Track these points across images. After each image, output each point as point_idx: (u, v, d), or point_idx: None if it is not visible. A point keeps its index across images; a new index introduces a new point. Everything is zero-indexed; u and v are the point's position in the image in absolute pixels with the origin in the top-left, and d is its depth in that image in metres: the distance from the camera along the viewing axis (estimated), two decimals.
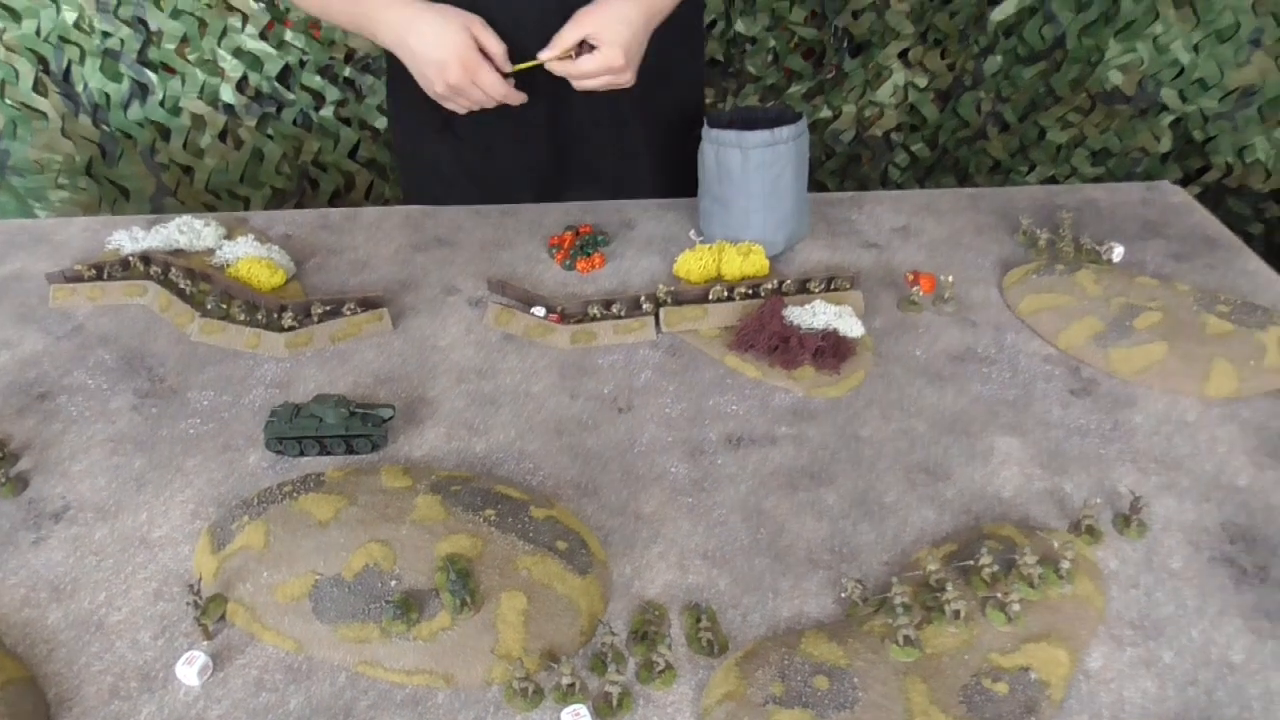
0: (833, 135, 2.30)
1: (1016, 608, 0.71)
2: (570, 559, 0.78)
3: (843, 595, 0.76)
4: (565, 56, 1.16)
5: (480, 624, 0.73)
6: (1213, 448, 0.93)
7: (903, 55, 2.21)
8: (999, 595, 0.72)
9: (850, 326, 1.05)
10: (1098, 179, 2.33)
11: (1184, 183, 2.28)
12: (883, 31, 2.18)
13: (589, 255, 1.22)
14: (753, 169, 1.17)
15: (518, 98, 1.20)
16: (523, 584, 0.75)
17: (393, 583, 0.75)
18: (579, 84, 1.18)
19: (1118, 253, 1.22)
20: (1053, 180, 2.35)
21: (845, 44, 2.21)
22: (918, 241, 1.28)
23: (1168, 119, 2.24)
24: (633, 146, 1.38)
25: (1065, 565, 0.74)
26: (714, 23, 2.15)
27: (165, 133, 2.17)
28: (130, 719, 0.70)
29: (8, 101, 2.13)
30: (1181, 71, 2.19)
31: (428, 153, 1.40)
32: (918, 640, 0.70)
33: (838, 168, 2.35)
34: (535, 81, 1.20)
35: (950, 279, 1.14)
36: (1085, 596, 0.75)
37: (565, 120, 1.33)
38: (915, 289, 1.14)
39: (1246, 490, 0.88)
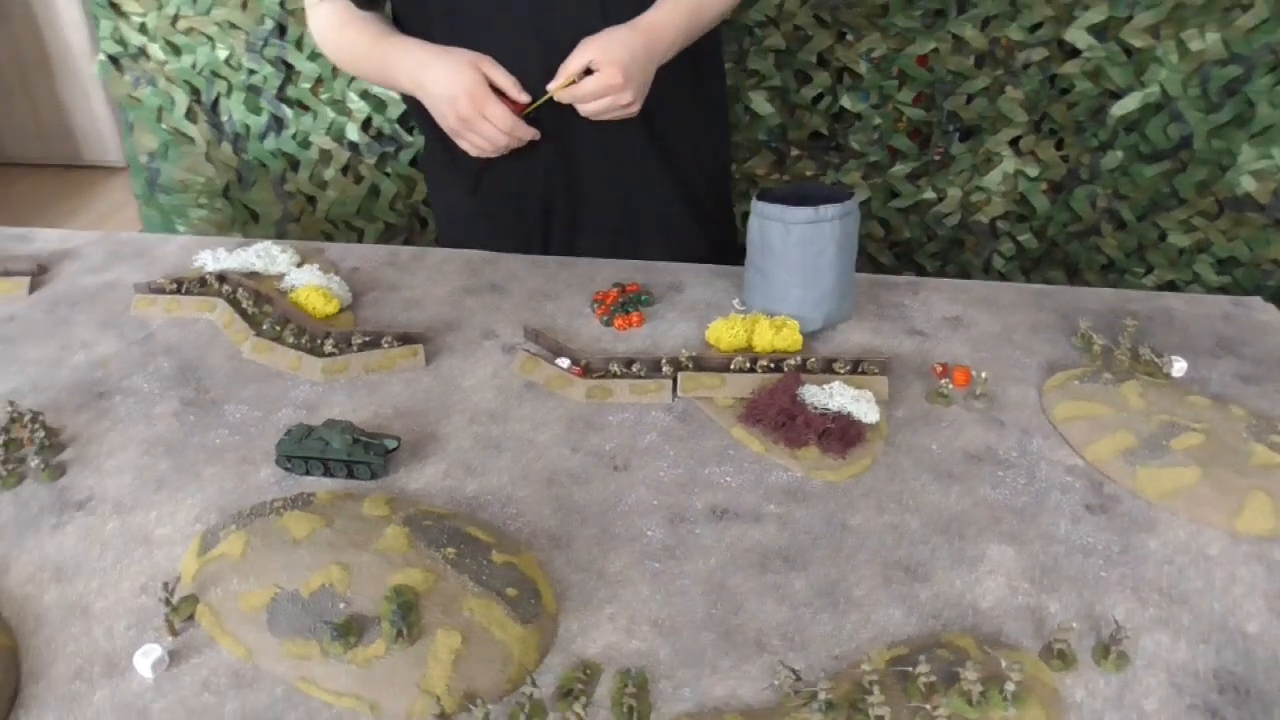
0: (935, 218, 2.26)
1: None
2: (516, 606, 0.79)
3: (775, 683, 0.75)
4: (570, 83, 1.21)
5: (412, 657, 0.75)
6: (1228, 587, 0.86)
7: (1014, 143, 2.16)
8: (928, 708, 0.69)
9: (866, 412, 1.04)
10: (1223, 289, 2.21)
11: None
12: (994, 118, 2.14)
13: (628, 313, 1.24)
14: (794, 244, 1.17)
15: (527, 132, 1.26)
16: (462, 624, 0.77)
17: (342, 605, 0.78)
18: (583, 109, 1.23)
19: (1178, 368, 1.15)
20: (1172, 286, 2.24)
21: (953, 128, 2.18)
22: (966, 334, 1.24)
23: None
24: (646, 199, 1.43)
25: (1010, 687, 0.70)
26: (820, 96, 2.16)
27: (295, 164, 2.33)
28: (84, 699, 0.75)
29: (163, 126, 2.33)
30: None
31: (448, 197, 1.49)
32: None
33: (939, 250, 2.31)
34: (543, 124, 1.27)
35: (984, 375, 1.10)
36: None
37: (573, 160, 1.39)
38: (944, 382, 1.10)
39: (1254, 638, 0.81)
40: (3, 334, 1.22)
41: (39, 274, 1.34)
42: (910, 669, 0.72)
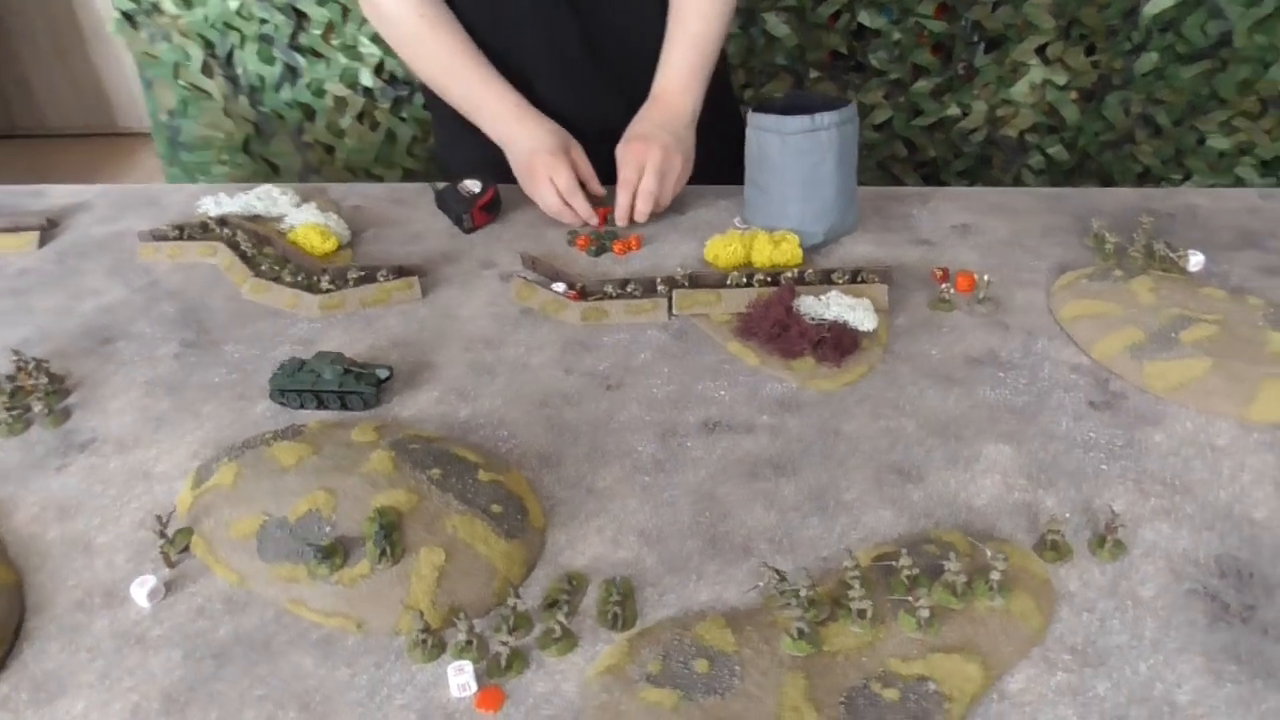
0: (960, 134, 2.19)
1: (926, 614, 0.67)
2: (500, 522, 0.79)
3: (759, 584, 0.74)
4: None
5: (396, 575, 0.75)
6: (1236, 475, 0.83)
7: (1041, 51, 2.09)
8: (910, 599, 0.67)
9: (863, 320, 1.01)
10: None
11: None
12: (1019, 26, 2.06)
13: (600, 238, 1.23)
14: (791, 155, 1.15)
15: (583, 207, 1.28)
16: (445, 541, 0.77)
17: (327, 529, 0.78)
18: (657, 200, 1.26)
19: (1195, 261, 1.11)
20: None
21: (977, 39, 2.11)
22: (975, 241, 1.21)
23: None
24: None
25: (995, 577, 0.69)
26: (837, 14, 2.10)
27: (311, 114, 2.33)
28: (85, 629, 0.77)
29: (180, 82, 2.34)
30: None
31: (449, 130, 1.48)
32: (814, 635, 0.67)
33: (966, 168, 2.24)
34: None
35: (988, 279, 1.07)
36: (1021, 614, 0.69)
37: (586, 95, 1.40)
38: (945, 287, 1.07)
39: (1261, 524, 0.78)
40: (14, 286, 1.24)
41: (48, 228, 1.36)
42: (893, 563, 0.71)
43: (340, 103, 2.31)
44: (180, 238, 1.28)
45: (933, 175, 2.26)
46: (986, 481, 0.84)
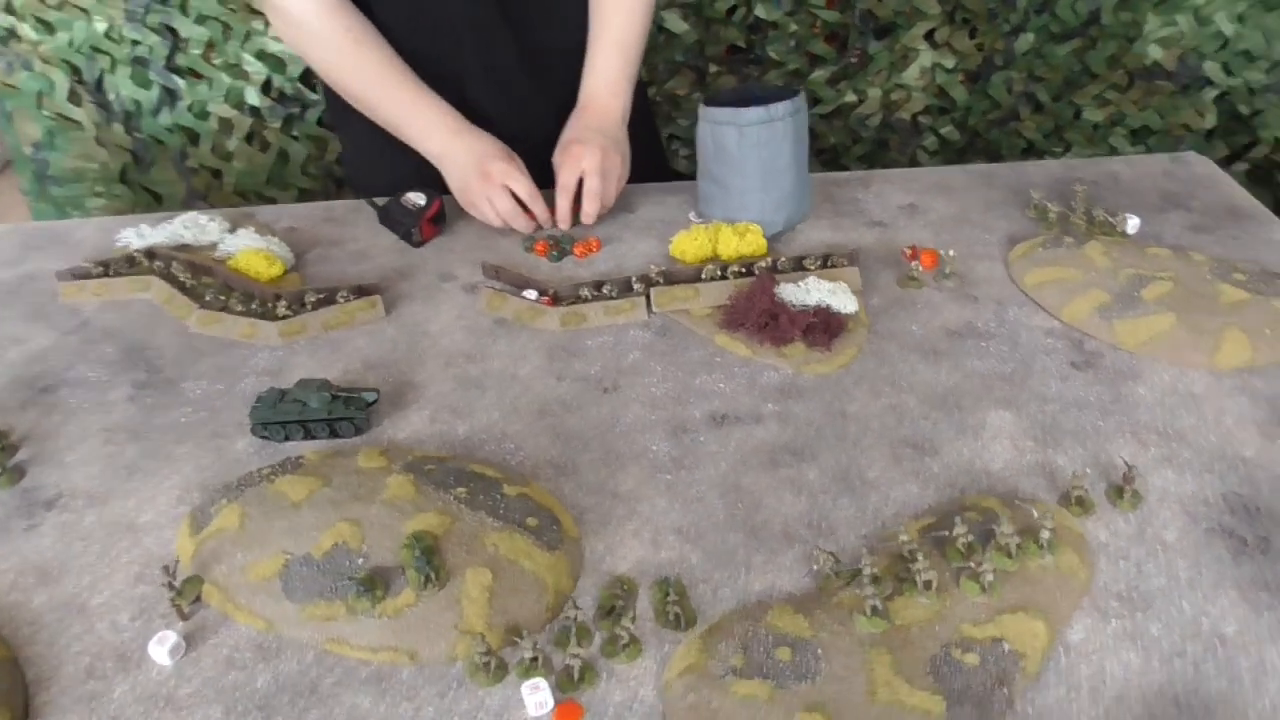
0: (858, 120, 2.26)
1: (990, 578, 0.69)
2: (539, 535, 0.77)
3: (814, 568, 0.74)
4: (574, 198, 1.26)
5: (444, 600, 0.72)
6: (1219, 419, 0.89)
7: (929, 36, 2.17)
8: (972, 565, 0.69)
9: (844, 303, 1.03)
10: None
11: (1230, 160, 2.20)
12: (908, 12, 2.14)
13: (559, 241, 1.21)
14: (749, 147, 1.16)
15: (523, 221, 1.25)
16: (489, 560, 0.74)
17: (360, 560, 0.75)
18: (600, 200, 1.25)
19: (1133, 224, 1.17)
20: None
21: (869, 27, 2.18)
22: (924, 219, 1.25)
23: (1211, 94, 2.16)
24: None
25: (1045, 535, 0.71)
26: (734, 8, 2.13)
27: (194, 137, 2.21)
28: (104, 697, 0.71)
29: (45, 112, 2.19)
30: (1225, 44, 2.11)
31: (358, 141, 1.45)
32: (885, 611, 0.68)
33: (865, 153, 2.31)
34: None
35: (952, 253, 1.11)
36: (1068, 569, 0.72)
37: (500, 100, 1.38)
38: (915, 264, 1.11)
39: (1253, 462, 0.84)
40: None
41: None
42: (947, 533, 0.72)
43: (226, 124, 2.20)
44: (106, 274, 1.20)
45: (833, 161, 2.32)
46: (997, 447, 0.87)
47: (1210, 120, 2.20)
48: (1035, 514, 0.72)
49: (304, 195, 2.29)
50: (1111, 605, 0.71)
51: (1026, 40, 2.16)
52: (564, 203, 1.25)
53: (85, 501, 0.89)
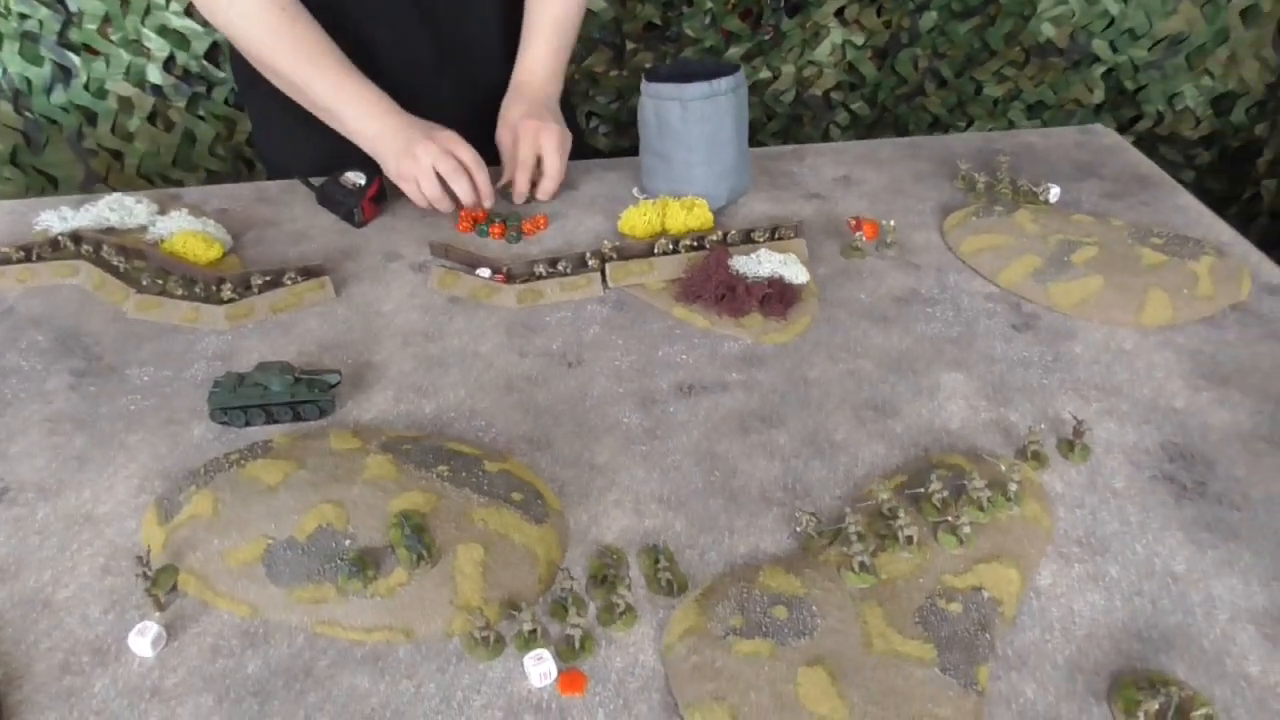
0: (773, 96, 2.30)
1: (967, 530, 0.73)
2: (526, 509, 0.78)
3: (797, 529, 0.77)
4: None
5: (437, 577, 0.72)
6: (1150, 373, 0.95)
7: (839, 14, 2.22)
8: (949, 519, 0.73)
9: (796, 273, 1.06)
10: None
11: (1118, 132, 2.32)
12: None
13: (502, 221, 1.21)
14: (693, 121, 1.17)
15: (448, 205, 1.23)
16: (479, 535, 0.75)
17: (346, 542, 0.74)
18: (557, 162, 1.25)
19: (1054, 193, 1.24)
20: None
21: (782, 4, 2.21)
22: (859, 190, 1.29)
23: (1100, 70, 2.28)
24: (469, 110, 1.37)
25: (1013, 488, 0.76)
26: None
27: (92, 117, 2.11)
28: (83, 692, 0.69)
29: None
30: (1112, 22, 2.22)
31: (271, 119, 1.42)
32: (873, 566, 0.71)
33: (779, 129, 2.36)
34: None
35: (893, 224, 1.15)
36: (1033, 518, 0.76)
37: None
38: (858, 235, 1.14)
39: (1183, 412, 0.90)
40: None
41: None
42: (922, 489, 0.76)
43: (126, 103, 2.11)
44: (28, 259, 1.14)
45: (750, 137, 2.36)
46: (953, 407, 0.91)
47: (1099, 95, 2.32)
48: (1003, 468, 0.76)
49: (212, 177, 2.21)
50: (1073, 551, 0.76)
51: (930, 18, 2.23)
52: (523, 178, 1.24)
53: (35, 494, 0.85)
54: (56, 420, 0.94)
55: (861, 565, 0.71)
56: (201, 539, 0.77)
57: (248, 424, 0.92)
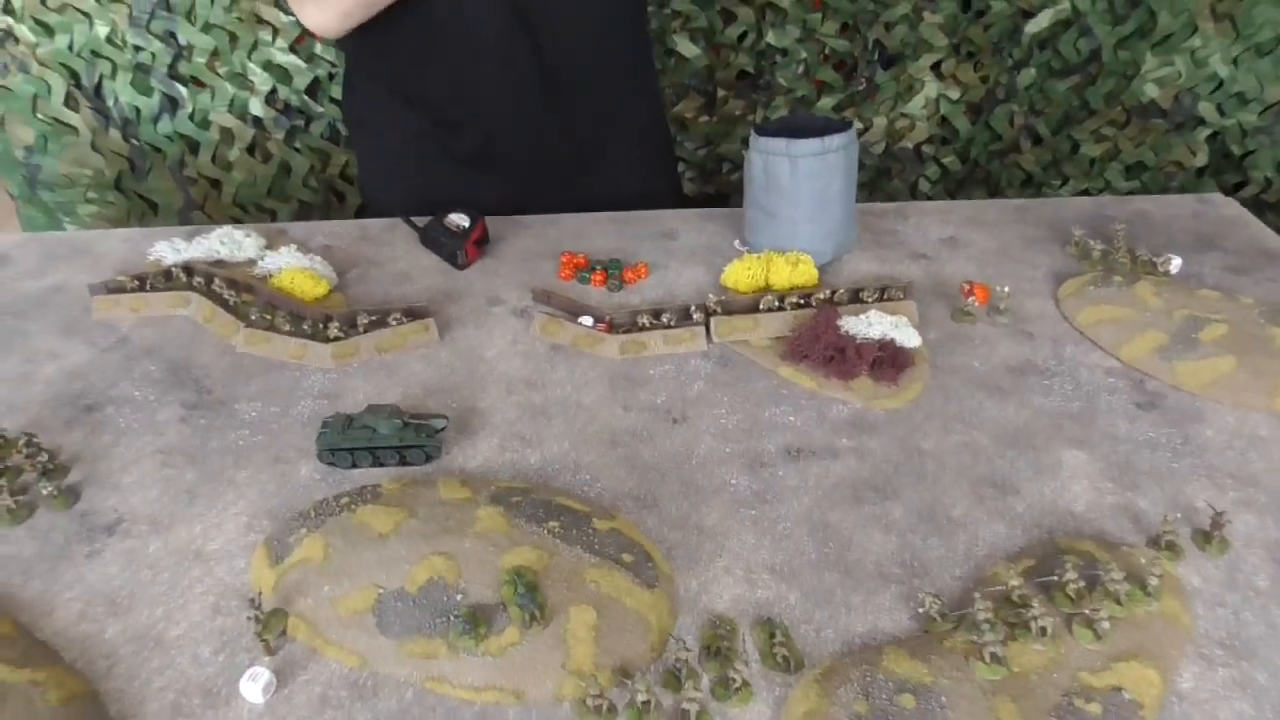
0: (863, 147, 2.28)
1: (1105, 625, 0.69)
2: (637, 572, 0.76)
3: (920, 610, 0.74)
4: None
5: (550, 639, 0.71)
6: None
7: (935, 68, 2.20)
8: (1086, 612, 0.70)
9: (908, 337, 1.03)
10: (1131, 193, 2.31)
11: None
12: (915, 44, 2.17)
13: (604, 270, 1.20)
14: (801, 178, 1.16)
15: None
16: (591, 597, 0.73)
17: (458, 596, 0.73)
18: None
19: (1175, 264, 1.20)
20: (1085, 194, 2.33)
21: (877, 56, 2.20)
22: (966, 253, 1.26)
23: (1204, 133, 2.22)
24: (592, 159, 1.39)
25: (1153, 582, 0.72)
26: (744, 34, 2.14)
27: (194, 146, 2.17)
28: None
29: (39, 116, 2.13)
30: (1220, 85, 2.17)
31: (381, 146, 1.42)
32: (1004, 658, 0.68)
33: (867, 180, 2.34)
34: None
35: (1006, 289, 1.12)
36: (1172, 615, 0.73)
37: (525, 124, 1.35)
38: (970, 300, 1.12)
39: None
40: None
41: None
42: (1055, 577, 0.73)
43: (227, 134, 2.16)
44: (142, 288, 1.17)
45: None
46: (1077, 487, 0.88)
47: (1202, 158, 2.25)
48: (1142, 560, 0.73)
49: (304, 208, 2.25)
50: (1216, 653, 0.72)
51: (1029, 75, 2.20)
52: None
53: (148, 527, 0.86)
54: (168, 453, 0.95)
55: (993, 655, 0.67)
56: (312, 584, 0.76)
57: (354, 466, 0.91)
